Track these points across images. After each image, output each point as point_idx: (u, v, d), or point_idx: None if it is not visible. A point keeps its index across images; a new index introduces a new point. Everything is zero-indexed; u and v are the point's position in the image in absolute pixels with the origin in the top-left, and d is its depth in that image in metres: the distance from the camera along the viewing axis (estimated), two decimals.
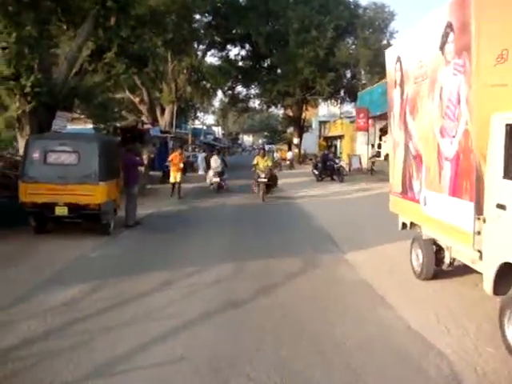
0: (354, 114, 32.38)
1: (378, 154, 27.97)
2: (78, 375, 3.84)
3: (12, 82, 10.44)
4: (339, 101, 39.56)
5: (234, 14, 30.49)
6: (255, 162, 16.90)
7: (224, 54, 36.09)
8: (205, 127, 58.92)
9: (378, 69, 28.23)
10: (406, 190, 7.08)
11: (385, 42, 32.55)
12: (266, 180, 15.95)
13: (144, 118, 26.49)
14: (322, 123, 46.55)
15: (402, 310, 5.35)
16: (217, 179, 18.36)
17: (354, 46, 35.42)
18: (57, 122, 11.79)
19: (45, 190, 8.89)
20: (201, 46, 32.62)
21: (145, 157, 18.21)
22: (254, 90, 40.26)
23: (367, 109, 26.97)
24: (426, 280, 6.38)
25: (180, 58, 27.53)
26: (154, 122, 27.34)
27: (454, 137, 5.39)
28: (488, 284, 4.70)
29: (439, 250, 6.29)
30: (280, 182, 18.62)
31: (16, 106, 10.89)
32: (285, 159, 36.97)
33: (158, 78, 23.96)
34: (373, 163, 26.21)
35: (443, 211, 5.68)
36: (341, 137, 37.89)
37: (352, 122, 32.03)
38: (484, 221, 4.79)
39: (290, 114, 42.49)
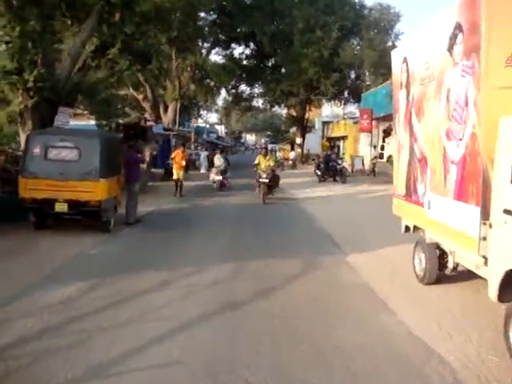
0: (357, 114, 32.34)
1: (381, 156, 27.87)
2: (74, 375, 3.77)
3: (15, 77, 10.37)
4: (343, 101, 39.50)
5: (239, 13, 30.50)
6: (257, 161, 16.42)
7: (228, 52, 36.12)
8: (208, 125, 58.82)
9: (382, 70, 28.17)
10: (410, 192, 6.99)
11: (390, 43, 32.38)
12: (267, 181, 15.43)
13: (147, 115, 26.43)
14: (325, 123, 46.52)
15: (404, 315, 5.27)
16: (219, 177, 18.46)
17: (358, 47, 35.25)
18: (59, 117, 11.73)
19: (45, 185, 8.83)
20: (205, 44, 32.63)
21: (147, 154, 18.24)
22: (257, 89, 40.28)
23: (371, 110, 26.91)
24: (428, 284, 6.29)
25: (184, 55, 27.53)
26: (157, 119, 27.28)
27: (460, 140, 5.30)
28: (493, 291, 4.61)
29: (442, 255, 6.21)
30: (282, 181, 18.43)
31: (18, 100, 10.80)
32: (287, 159, 36.94)
33: (162, 75, 23.89)
34: (374, 164, 26.12)
35: (448, 215, 5.59)
36: (344, 137, 37.85)
37: (355, 122, 31.97)
38: (490, 226, 4.69)
39: (294, 113, 42.37)
